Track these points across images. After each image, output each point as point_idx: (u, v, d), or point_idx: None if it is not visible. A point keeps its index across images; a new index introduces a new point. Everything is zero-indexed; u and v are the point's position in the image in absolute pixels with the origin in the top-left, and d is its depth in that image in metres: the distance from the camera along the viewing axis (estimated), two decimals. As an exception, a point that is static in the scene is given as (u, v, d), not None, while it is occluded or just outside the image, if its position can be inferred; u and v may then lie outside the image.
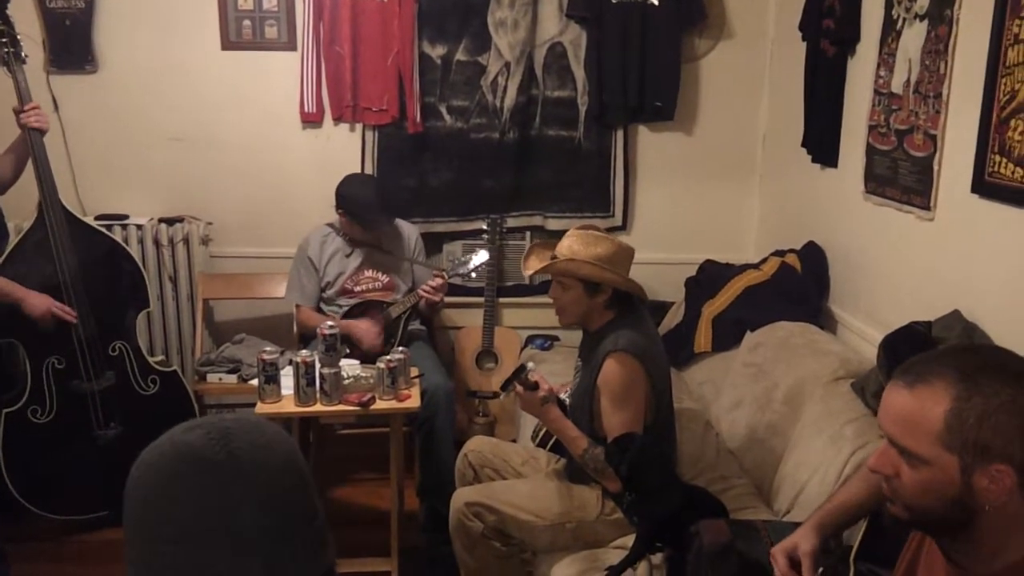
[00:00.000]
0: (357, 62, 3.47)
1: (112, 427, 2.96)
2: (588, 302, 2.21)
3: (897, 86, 2.51)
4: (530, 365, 2.24)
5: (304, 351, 2.67)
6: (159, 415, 2.99)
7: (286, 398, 2.58)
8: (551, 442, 2.47)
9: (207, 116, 3.52)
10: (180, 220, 3.49)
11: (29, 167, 2.83)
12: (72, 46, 3.40)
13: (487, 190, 3.62)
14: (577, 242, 2.20)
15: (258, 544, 0.84)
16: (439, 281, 3.09)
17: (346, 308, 3.18)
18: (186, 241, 3.47)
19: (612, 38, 3.46)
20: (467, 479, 2.50)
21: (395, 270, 3.29)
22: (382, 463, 2.97)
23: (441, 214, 3.64)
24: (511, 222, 3.65)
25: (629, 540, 2.09)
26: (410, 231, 3.38)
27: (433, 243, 3.62)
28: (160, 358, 3.24)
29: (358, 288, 3.25)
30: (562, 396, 2.32)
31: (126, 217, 3.44)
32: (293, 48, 3.46)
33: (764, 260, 3.23)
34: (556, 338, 3.67)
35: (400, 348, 2.75)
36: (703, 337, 3.15)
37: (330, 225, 3.29)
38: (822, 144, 3.01)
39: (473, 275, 3.29)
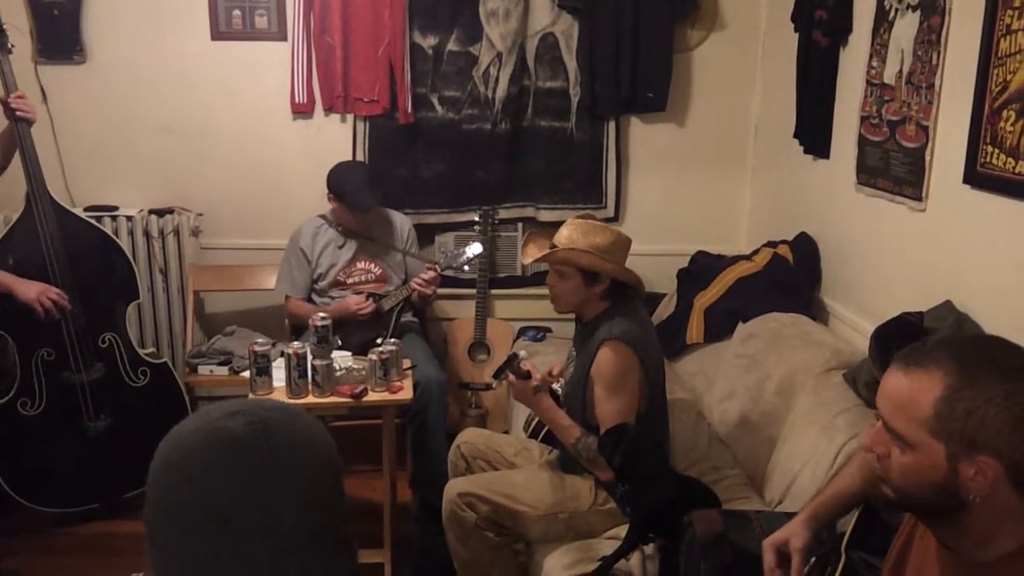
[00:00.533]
0: (348, 52, 3.45)
1: (102, 419, 2.95)
2: (585, 291, 2.21)
3: (889, 77, 2.51)
4: (522, 354, 2.24)
5: (296, 343, 2.66)
6: (149, 407, 2.99)
7: (278, 390, 2.56)
8: (543, 432, 2.47)
9: (197, 107, 3.49)
10: (170, 211, 3.47)
11: (17, 158, 2.80)
12: (60, 36, 3.37)
13: (479, 181, 3.61)
14: (576, 231, 2.20)
15: (296, 543, 0.81)
16: (432, 274, 3.09)
17: (339, 299, 3.17)
18: (176, 232, 3.46)
19: (604, 28, 3.45)
20: (460, 471, 2.50)
21: (388, 262, 3.28)
22: (375, 455, 2.97)
23: (433, 205, 3.63)
24: (503, 213, 3.64)
25: (622, 530, 2.10)
26: (402, 221, 3.37)
27: (425, 235, 3.61)
28: (151, 350, 3.22)
29: (351, 280, 3.24)
30: (555, 386, 2.32)
31: (116, 208, 3.41)
32: (283, 38, 3.44)
33: (756, 251, 3.23)
34: (548, 329, 3.66)
35: (392, 340, 2.74)
36: (695, 328, 3.16)
37: (323, 217, 3.28)
38: (814, 135, 3.01)
39: (466, 268, 3.29)
